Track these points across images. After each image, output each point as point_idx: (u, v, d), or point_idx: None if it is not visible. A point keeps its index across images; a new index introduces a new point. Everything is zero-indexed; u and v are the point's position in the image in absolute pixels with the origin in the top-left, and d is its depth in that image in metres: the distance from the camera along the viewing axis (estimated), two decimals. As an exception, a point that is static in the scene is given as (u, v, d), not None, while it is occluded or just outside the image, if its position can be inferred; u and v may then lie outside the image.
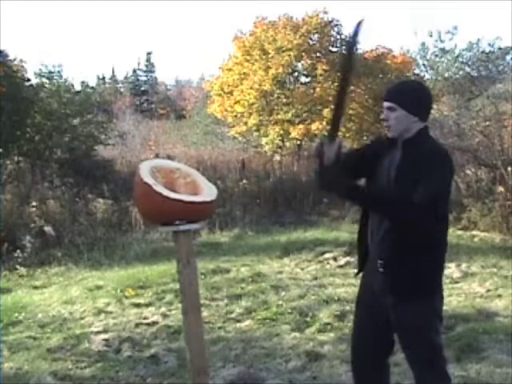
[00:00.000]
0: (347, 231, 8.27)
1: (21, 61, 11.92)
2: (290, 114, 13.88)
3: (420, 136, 2.68)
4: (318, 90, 13.79)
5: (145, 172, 2.70)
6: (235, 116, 14.69)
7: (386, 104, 2.70)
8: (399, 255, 2.63)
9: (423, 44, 23.47)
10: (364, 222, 2.84)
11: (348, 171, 2.66)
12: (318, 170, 2.62)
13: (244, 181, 10.98)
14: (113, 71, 47.06)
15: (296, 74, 15.03)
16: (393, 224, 2.63)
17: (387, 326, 2.75)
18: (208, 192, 2.81)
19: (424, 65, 23.25)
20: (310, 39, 14.35)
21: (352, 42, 2.70)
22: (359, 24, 2.51)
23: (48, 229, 8.00)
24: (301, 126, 13.62)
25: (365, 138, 16.89)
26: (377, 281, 2.72)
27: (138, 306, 5.53)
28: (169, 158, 13.45)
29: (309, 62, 14.37)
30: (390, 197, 2.63)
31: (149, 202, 2.68)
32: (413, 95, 2.68)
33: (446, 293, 5.57)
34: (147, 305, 5.55)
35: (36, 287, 6.57)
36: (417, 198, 2.51)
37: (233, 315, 5.16)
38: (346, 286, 5.73)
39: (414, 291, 2.65)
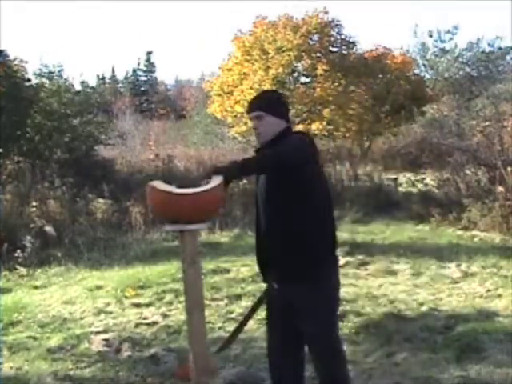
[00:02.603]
0: (347, 231, 8.27)
1: (21, 61, 11.92)
2: (289, 114, 13.87)
3: (283, 134, 2.94)
4: (317, 89, 13.81)
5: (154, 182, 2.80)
6: (235, 116, 14.70)
7: (253, 114, 2.98)
8: (274, 248, 2.91)
9: (423, 44, 23.49)
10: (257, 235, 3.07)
11: None
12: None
13: (244, 181, 10.97)
14: (113, 71, 47.01)
15: (296, 74, 15.03)
16: (267, 221, 2.91)
17: (289, 314, 2.96)
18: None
19: (424, 65, 23.28)
20: (310, 39, 14.36)
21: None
22: None
23: (49, 228, 8.00)
24: (301, 126, 13.62)
25: (365, 138, 16.93)
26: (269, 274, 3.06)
27: (138, 306, 5.53)
28: (169, 157, 13.47)
29: (309, 62, 14.37)
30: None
31: (157, 201, 2.76)
32: (275, 102, 3.02)
33: (445, 293, 5.64)
34: (147, 305, 5.55)
35: (36, 287, 6.56)
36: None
37: (233, 315, 5.16)
38: (346, 285, 5.72)
39: (292, 276, 2.89)
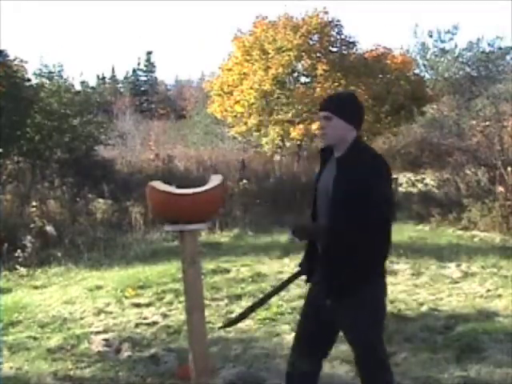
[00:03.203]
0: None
1: (21, 61, 11.91)
2: (289, 114, 13.88)
3: (354, 147, 2.82)
4: (317, 89, 13.80)
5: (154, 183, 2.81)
6: (235, 116, 14.70)
7: (322, 114, 2.85)
8: (332, 261, 2.76)
9: (423, 44, 23.48)
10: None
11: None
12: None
13: (244, 181, 10.98)
14: (113, 71, 47.02)
15: (296, 74, 15.04)
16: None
17: (328, 326, 2.88)
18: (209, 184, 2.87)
19: (424, 65, 23.27)
20: (310, 39, 14.35)
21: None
22: None
23: (50, 228, 7.99)
24: (301, 126, 13.63)
25: (365, 138, 16.92)
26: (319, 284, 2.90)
27: (138, 306, 5.53)
28: (169, 157, 13.47)
29: (309, 62, 14.37)
30: (341, 228, 2.72)
31: (158, 201, 2.76)
32: (347, 105, 2.86)
33: (445, 293, 5.64)
34: (147, 305, 5.55)
35: (36, 287, 6.56)
36: (364, 219, 2.65)
37: (233, 315, 5.15)
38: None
39: (346, 293, 2.77)
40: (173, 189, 2.79)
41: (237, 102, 14.17)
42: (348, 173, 2.74)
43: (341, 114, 2.80)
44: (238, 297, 5.63)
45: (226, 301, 5.54)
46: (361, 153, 2.81)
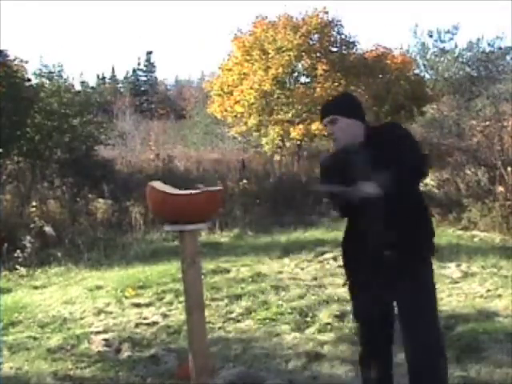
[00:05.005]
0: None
1: (21, 61, 11.92)
2: (290, 114, 13.88)
3: (369, 130, 2.89)
4: (317, 89, 13.80)
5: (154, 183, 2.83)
6: (235, 116, 14.70)
7: (326, 120, 2.89)
8: (404, 235, 2.90)
9: (423, 44, 23.45)
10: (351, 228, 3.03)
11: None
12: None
13: (244, 181, 10.99)
14: (113, 71, 47.06)
15: (296, 74, 15.03)
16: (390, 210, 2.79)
17: (388, 315, 2.98)
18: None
19: (424, 65, 23.23)
20: (310, 39, 14.35)
21: None
22: None
23: (48, 229, 8.00)
24: (301, 126, 13.62)
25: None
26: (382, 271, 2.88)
27: (138, 306, 5.53)
28: (169, 157, 13.48)
29: (309, 62, 14.37)
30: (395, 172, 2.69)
31: (156, 200, 2.78)
32: (346, 103, 2.94)
33: (445, 293, 5.63)
34: (147, 305, 5.55)
35: (36, 287, 6.57)
36: (409, 161, 2.75)
37: (233, 315, 5.16)
38: (347, 285, 5.71)
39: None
40: (172, 189, 2.80)
41: (237, 102, 14.17)
42: (381, 146, 2.76)
43: (344, 114, 2.85)
44: (238, 297, 5.62)
45: (225, 301, 5.54)
46: (377, 129, 2.94)
